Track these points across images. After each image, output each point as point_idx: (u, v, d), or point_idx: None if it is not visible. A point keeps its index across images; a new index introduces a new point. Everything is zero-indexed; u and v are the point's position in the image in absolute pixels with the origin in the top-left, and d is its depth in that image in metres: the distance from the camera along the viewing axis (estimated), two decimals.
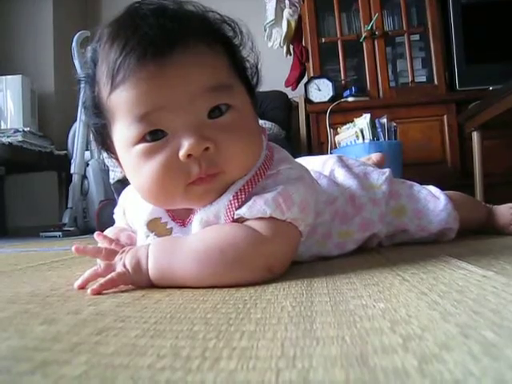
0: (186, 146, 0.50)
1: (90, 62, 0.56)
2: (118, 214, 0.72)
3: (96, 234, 0.60)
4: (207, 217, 0.55)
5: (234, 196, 0.54)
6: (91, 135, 0.64)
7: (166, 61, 0.49)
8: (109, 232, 0.67)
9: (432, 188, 0.84)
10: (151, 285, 0.51)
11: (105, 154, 0.62)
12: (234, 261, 0.49)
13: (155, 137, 0.51)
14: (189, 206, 0.58)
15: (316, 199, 0.62)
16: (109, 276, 0.50)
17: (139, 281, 0.51)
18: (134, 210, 0.64)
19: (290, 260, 0.56)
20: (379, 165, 0.95)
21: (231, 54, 0.56)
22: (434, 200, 0.81)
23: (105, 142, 0.59)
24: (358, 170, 0.81)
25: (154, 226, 0.60)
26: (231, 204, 0.54)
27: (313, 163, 0.81)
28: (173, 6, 0.53)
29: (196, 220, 0.56)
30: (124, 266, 0.51)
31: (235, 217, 0.54)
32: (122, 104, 0.51)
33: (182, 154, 0.50)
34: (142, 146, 0.52)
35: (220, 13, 0.57)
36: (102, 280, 0.50)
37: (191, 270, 0.49)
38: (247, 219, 0.54)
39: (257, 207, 0.53)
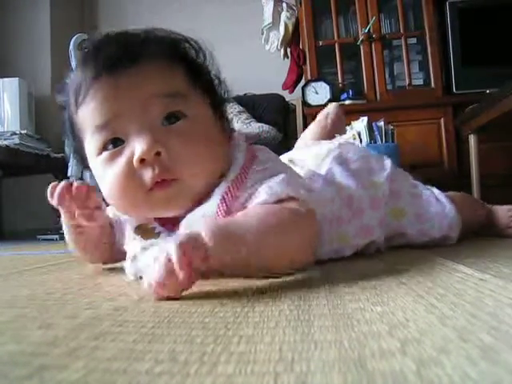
0: (138, 150, 0.52)
1: (66, 90, 0.60)
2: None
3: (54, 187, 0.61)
4: (193, 221, 0.55)
5: (220, 200, 0.55)
6: (73, 158, 0.67)
7: (119, 74, 0.53)
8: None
9: (435, 190, 0.84)
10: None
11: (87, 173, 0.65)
12: (289, 223, 0.51)
13: (115, 145, 0.54)
14: (157, 215, 0.59)
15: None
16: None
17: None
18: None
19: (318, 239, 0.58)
20: (339, 120, 1.00)
21: (190, 68, 0.59)
22: (437, 203, 0.80)
23: (84, 161, 0.61)
24: (358, 166, 0.79)
25: (141, 230, 0.60)
26: (219, 209, 0.55)
27: (310, 161, 0.80)
28: (137, 31, 0.58)
29: (183, 225, 0.56)
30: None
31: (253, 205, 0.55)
32: (86, 119, 0.56)
33: (134, 159, 0.52)
34: (103, 154, 0.55)
35: (182, 34, 0.61)
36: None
37: (255, 231, 0.48)
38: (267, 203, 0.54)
39: (270, 192, 0.53)
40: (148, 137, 0.52)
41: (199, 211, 0.56)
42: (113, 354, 0.28)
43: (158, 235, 0.59)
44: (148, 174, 0.53)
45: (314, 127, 1.06)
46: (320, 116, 1.06)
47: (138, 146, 0.52)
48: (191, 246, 0.42)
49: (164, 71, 0.56)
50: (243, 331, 0.32)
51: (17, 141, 2.46)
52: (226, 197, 0.55)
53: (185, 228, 0.55)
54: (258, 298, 0.44)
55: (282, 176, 0.56)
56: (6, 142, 2.38)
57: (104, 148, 0.55)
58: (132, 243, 0.60)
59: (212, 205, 0.55)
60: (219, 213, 0.55)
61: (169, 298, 0.43)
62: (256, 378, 0.23)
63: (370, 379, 0.22)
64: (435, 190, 0.83)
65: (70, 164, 2.44)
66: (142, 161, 0.52)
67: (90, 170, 0.61)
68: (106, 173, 0.55)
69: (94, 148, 0.56)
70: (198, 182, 0.56)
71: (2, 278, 0.71)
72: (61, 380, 0.24)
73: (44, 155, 2.63)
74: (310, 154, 0.85)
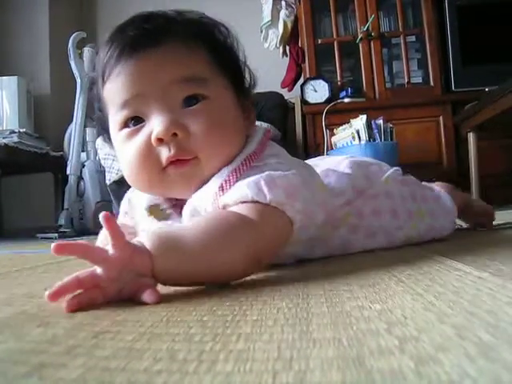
0: (156, 130, 0.54)
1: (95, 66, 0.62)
2: (121, 213, 0.72)
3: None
4: (193, 206, 0.57)
5: (219, 187, 0.55)
6: (98, 129, 0.70)
7: (143, 54, 0.55)
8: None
9: (434, 186, 0.89)
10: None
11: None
12: (225, 235, 0.48)
13: (136, 123, 0.56)
14: (170, 194, 0.61)
15: (320, 196, 0.61)
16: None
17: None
18: (136, 199, 0.67)
19: (278, 249, 0.55)
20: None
21: (215, 52, 0.59)
22: (441, 199, 0.85)
23: (107, 133, 0.63)
24: (373, 169, 0.80)
25: (153, 210, 0.62)
26: (216, 194, 0.55)
27: (327, 165, 0.80)
28: (167, 11, 0.59)
29: (186, 209, 0.58)
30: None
31: (220, 204, 0.55)
32: (111, 95, 0.58)
33: (152, 138, 0.54)
34: (124, 130, 0.57)
35: (213, 18, 0.63)
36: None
37: (196, 254, 0.46)
38: (230, 205, 0.54)
39: (238, 192, 0.53)
40: (166, 118, 0.54)
41: (197, 197, 0.57)
42: (111, 352, 0.28)
43: (168, 216, 0.61)
44: (164, 153, 0.55)
45: None
46: None
47: (156, 126, 0.54)
48: (136, 249, 0.43)
49: (186, 54, 0.57)
50: (242, 329, 0.32)
51: (15, 139, 2.46)
52: (224, 185, 0.55)
53: (189, 212, 0.58)
54: (257, 296, 0.44)
55: (264, 174, 0.54)
56: (4, 141, 2.38)
57: (125, 125, 0.57)
58: (145, 222, 0.63)
59: (209, 190, 0.56)
60: (215, 203, 0.55)
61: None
62: (254, 376, 0.23)
63: (369, 377, 0.22)
64: (435, 186, 0.86)
65: (68, 162, 2.44)
66: (159, 140, 0.54)
67: (111, 142, 0.63)
68: (125, 149, 0.58)
69: (116, 123, 0.58)
70: (213, 163, 0.57)
71: (2, 276, 0.71)
72: (60, 378, 0.24)
73: (43, 154, 2.63)
74: (325, 160, 0.86)
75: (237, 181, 0.55)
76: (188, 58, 0.57)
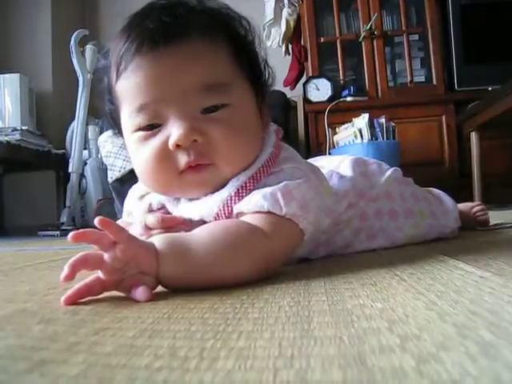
0: (174, 136, 0.52)
1: (107, 54, 0.59)
2: (125, 213, 0.72)
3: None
4: (200, 209, 0.56)
5: (235, 192, 0.55)
6: (107, 120, 0.67)
7: (161, 53, 0.52)
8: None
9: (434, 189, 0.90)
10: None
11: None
12: (235, 248, 0.49)
13: (152, 126, 0.54)
14: (184, 196, 0.59)
15: (326, 202, 0.61)
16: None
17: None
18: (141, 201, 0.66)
19: (287, 258, 0.56)
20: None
21: (237, 49, 0.57)
22: (443, 200, 0.87)
23: (117, 127, 0.62)
24: (373, 168, 0.80)
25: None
26: (231, 199, 0.55)
27: (328, 165, 0.80)
28: (189, 2, 0.56)
29: (194, 210, 0.58)
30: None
31: (234, 211, 0.54)
32: (125, 92, 0.55)
33: (170, 143, 0.53)
34: (139, 133, 0.55)
35: (235, 11, 0.60)
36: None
37: (201, 261, 0.46)
38: (245, 214, 0.53)
39: (254, 201, 0.53)
40: (186, 123, 0.52)
41: (208, 200, 0.56)
42: (112, 349, 0.28)
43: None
44: (183, 158, 0.53)
45: None
46: None
47: (175, 131, 0.52)
48: (143, 247, 0.44)
49: (209, 54, 0.54)
50: (243, 327, 0.32)
51: (18, 137, 2.46)
52: (240, 191, 0.55)
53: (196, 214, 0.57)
54: (258, 294, 0.44)
55: (280, 184, 0.54)
56: (6, 138, 2.38)
57: (140, 127, 0.55)
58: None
59: (224, 193, 0.55)
60: (226, 207, 0.55)
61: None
62: (255, 373, 0.23)
63: (370, 375, 0.22)
64: (434, 189, 0.88)
65: (70, 160, 2.45)
66: (178, 145, 0.53)
67: (121, 137, 0.61)
68: (140, 151, 0.56)
69: (131, 125, 0.56)
70: (232, 169, 0.56)
71: (3, 273, 0.71)
72: (60, 374, 0.24)
73: (45, 151, 2.63)
74: (326, 160, 0.86)
75: (254, 188, 0.55)
76: (211, 59, 0.54)
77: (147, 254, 0.44)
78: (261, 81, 0.61)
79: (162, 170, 0.55)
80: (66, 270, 0.41)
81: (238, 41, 0.58)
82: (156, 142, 0.54)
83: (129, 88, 0.54)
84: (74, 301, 0.42)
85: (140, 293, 0.42)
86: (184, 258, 0.45)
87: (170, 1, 0.56)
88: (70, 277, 0.42)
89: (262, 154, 0.58)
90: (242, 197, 0.55)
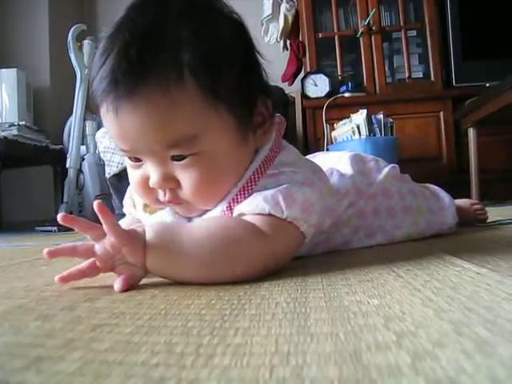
0: (152, 179, 0.54)
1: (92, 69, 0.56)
2: (127, 204, 0.71)
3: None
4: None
5: (227, 207, 0.55)
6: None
7: (125, 106, 0.49)
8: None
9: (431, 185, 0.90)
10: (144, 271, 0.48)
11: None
12: (233, 249, 0.49)
13: (136, 159, 0.55)
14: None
15: (328, 203, 0.61)
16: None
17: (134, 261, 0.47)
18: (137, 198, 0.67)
19: (287, 261, 0.56)
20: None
21: (211, 86, 0.50)
22: (440, 196, 0.87)
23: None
24: (371, 165, 0.81)
25: (150, 208, 0.62)
26: (229, 205, 0.55)
27: (327, 162, 0.79)
28: (151, 22, 0.50)
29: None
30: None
31: (235, 213, 0.54)
32: (106, 123, 0.53)
33: (149, 183, 0.54)
34: (127, 159, 0.57)
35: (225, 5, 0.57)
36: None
37: (191, 256, 0.47)
38: (246, 214, 0.53)
39: (255, 203, 0.53)
40: (159, 171, 0.53)
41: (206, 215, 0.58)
42: (109, 345, 0.28)
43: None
44: (162, 195, 0.56)
45: None
46: None
47: (151, 175, 0.54)
48: (131, 241, 0.46)
49: (169, 110, 0.49)
50: (239, 323, 0.32)
51: (15, 132, 2.45)
52: (231, 204, 0.55)
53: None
54: (255, 290, 0.44)
55: (282, 187, 0.53)
56: (4, 134, 2.37)
57: (125, 155, 0.56)
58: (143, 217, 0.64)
59: (217, 211, 0.56)
60: (228, 211, 0.56)
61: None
62: (252, 370, 0.23)
63: (366, 372, 0.22)
64: (431, 185, 0.89)
65: (68, 155, 2.44)
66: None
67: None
68: (130, 173, 0.58)
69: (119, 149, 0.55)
70: (210, 204, 0.57)
71: (1, 269, 0.71)
72: (57, 371, 0.24)
73: (42, 147, 2.62)
74: (324, 156, 0.86)
75: (250, 192, 0.55)
76: (172, 114, 0.49)
77: (135, 248, 0.46)
78: (245, 96, 0.55)
79: (149, 197, 0.57)
80: (52, 250, 0.47)
81: (212, 71, 0.50)
82: (140, 173, 0.56)
83: (105, 123, 0.53)
84: (68, 281, 0.48)
85: (117, 283, 0.46)
86: (171, 251, 0.47)
87: (138, 27, 0.49)
88: (51, 254, 0.48)
89: (252, 165, 0.57)
90: (233, 207, 0.55)
